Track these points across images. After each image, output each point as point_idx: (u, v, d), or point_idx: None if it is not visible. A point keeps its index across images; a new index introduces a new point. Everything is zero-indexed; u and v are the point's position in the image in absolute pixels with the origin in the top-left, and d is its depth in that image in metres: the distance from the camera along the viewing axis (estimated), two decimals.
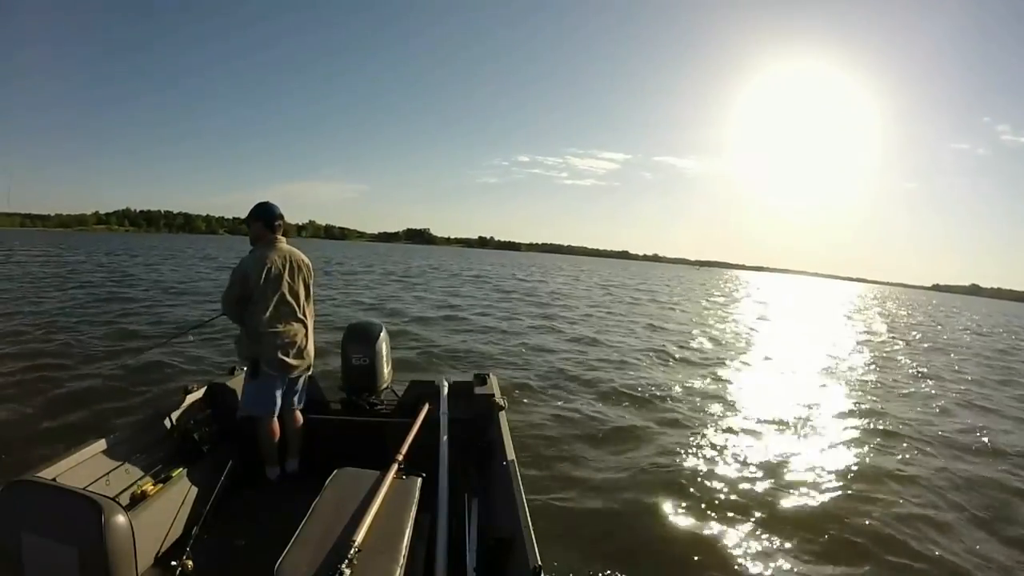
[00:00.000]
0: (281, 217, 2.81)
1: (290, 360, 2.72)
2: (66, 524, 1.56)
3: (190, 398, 2.88)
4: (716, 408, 6.16)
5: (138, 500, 2.23)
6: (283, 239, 2.82)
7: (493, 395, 3.10)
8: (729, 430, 5.38)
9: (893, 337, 16.31)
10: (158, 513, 2.24)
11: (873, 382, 8.68)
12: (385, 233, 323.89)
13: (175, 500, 2.36)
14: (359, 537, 1.60)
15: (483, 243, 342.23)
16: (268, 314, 2.66)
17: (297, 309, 2.79)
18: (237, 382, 3.13)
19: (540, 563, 1.57)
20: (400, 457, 2.22)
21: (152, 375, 5.92)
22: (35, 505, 1.61)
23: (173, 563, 2.04)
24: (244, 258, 2.72)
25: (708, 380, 7.67)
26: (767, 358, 10.04)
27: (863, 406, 6.77)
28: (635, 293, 26.42)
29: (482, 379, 3.33)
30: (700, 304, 23.00)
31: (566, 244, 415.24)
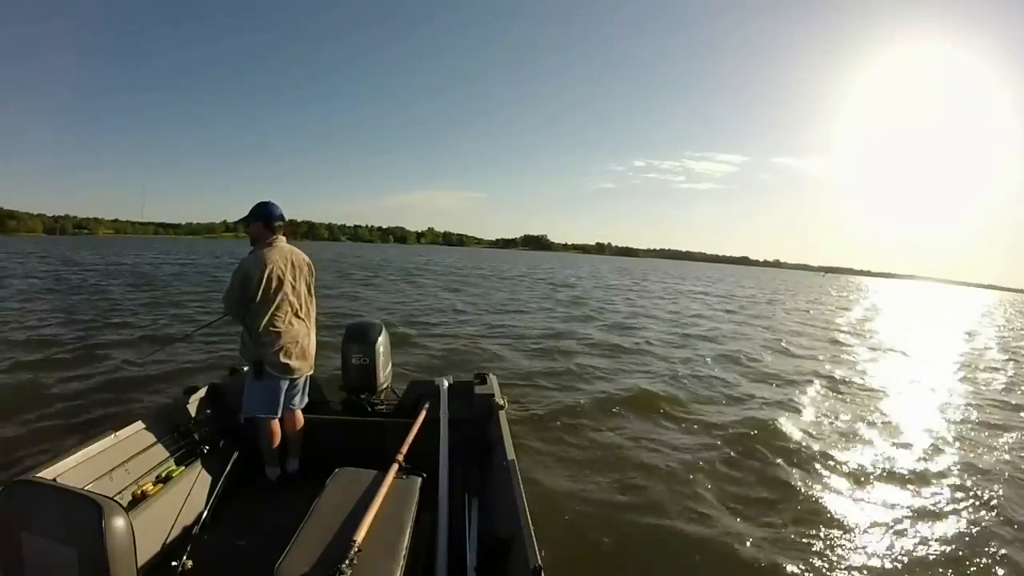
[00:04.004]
0: (281, 218, 2.78)
1: (292, 362, 2.71)
2: (66, 524, 1.56)
3: (190, 398, 2.88)
4: (743, 420, 5.70)
5: (138, 500, 2.24)
6: (283, 239, 2.80)
7: (493, 395, 3.10)
8: (753, 442, 5.02)
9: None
10: (158, 513, 2.25)
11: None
12: (503, 239, 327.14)
13: (175, 500, 2.36)
14: (359, 537, 1.60)
15: (600, 249, 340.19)
16: (270, 315, 2.65)
17: (300, 310, 2.78)
18: (237, 382, 3.13)
19: (540, 563, 1.57)
20: (400, 457, 2.22)
21: (155, 374, 5.93)
22: (35, 505, 1.61)
23: (173, 563, 2.05)
24: (244, 259, 2.69)
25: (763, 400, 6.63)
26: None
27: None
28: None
29: (482, 379, 3.33)
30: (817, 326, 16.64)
31: (684, 250, 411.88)
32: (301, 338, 2.76)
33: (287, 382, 2.75)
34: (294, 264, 2.76)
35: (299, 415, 2.90)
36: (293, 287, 2.73)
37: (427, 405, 3.00)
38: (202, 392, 2.98)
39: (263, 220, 2.73)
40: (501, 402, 3.01)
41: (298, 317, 2.76)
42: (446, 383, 3.21)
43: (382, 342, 3.24)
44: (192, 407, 2.86)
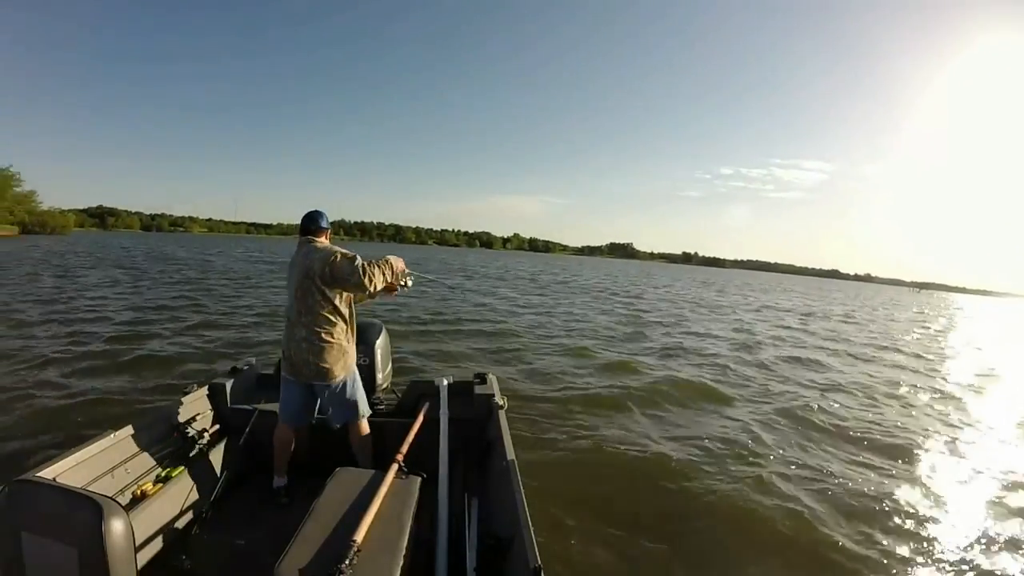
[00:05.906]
0: (315, 221, 2.69)
1: (292, 365, 2.60)
2: (66, 524, 1.56)
3: (190, 398, 2.88)
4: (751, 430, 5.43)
5: (138, 500, 2.24)
6: (314, 240, 2.66)
7: (493, 395, 3.10)
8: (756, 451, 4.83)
9: None
10: (158, 513, 2.25)
11: None
12: (588, 247, 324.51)
13: (175, 500, 2.36)
14: (359, 537, 1.61)
15: (687, 259, 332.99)
16: (286, 316, 2.66)
17: (303, 312, 2.59)
18: (238, 382, 3.13)
19: (540, 563, 1.57)
20: (400, 457, 2.23)
21: (156, 371, 5.93)
22: (35, 505, 1.61)
23: (173, 563, 2.05)
24: None
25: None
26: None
27: None
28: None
29: (482, 379, 3.33)
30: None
31: (773, 261, 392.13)
32: (299, 341, 2.60)
33: (300, 386, 2.63)
34: (304, 267, 2.59)
35: (362, 425, 2.71)
36: (297, 292, 2.60)
37: (427, 405, 3.00)
38: (202, 392, 2.98)
39: (301, 227, 2.71)
40: (501, 402, 3.01)
41: (301, 319, 2.61)
42: (446, 383, 3.21)
43: (381, 343, 3.25)
44: (193, 407, 2.86)
